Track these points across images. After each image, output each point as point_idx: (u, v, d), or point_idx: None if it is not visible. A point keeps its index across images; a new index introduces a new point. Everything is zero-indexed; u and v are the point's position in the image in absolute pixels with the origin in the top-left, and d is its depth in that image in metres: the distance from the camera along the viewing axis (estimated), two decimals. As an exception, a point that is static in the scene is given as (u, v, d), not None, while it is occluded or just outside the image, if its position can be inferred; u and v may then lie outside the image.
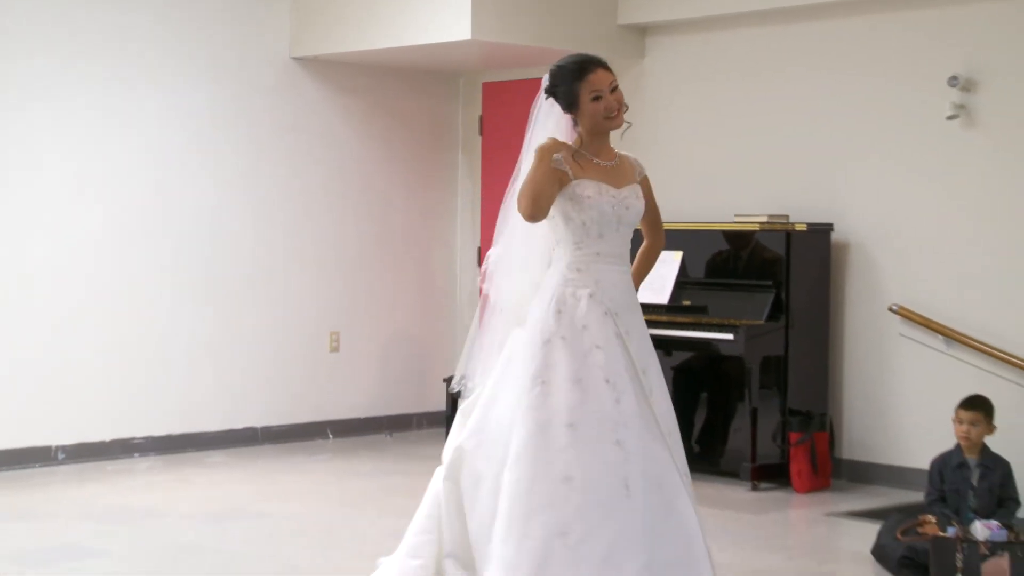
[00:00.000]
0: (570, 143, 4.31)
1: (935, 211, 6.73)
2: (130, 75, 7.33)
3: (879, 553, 5.18)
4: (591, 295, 4.19)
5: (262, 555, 5.24)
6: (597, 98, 4.24)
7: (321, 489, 6.71)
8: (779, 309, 6.76)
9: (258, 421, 7.86)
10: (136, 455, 7.33)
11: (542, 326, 4.17)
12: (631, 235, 4.31)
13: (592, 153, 4.30)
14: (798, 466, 6.61)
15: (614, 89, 4.26)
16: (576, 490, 4.02)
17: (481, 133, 8.64)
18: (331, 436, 8.17)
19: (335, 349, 8.25)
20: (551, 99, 4.46)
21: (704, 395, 7.15)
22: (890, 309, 6.79)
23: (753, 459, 6.70)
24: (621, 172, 4.33)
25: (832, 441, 6.85)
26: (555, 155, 4.24)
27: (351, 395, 8.32)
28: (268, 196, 7.89)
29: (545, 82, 4.48)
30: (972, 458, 5.39)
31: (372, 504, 6.34)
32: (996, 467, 5.40)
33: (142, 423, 7.38)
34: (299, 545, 5.44)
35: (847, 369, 7.04)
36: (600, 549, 3.99)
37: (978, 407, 5.45)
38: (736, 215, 7.11)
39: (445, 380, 7.15)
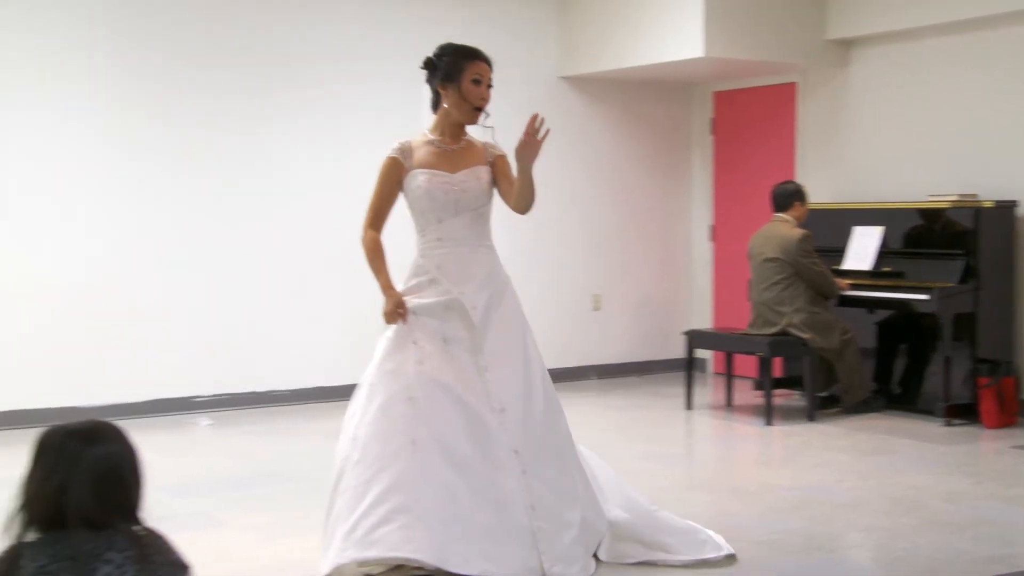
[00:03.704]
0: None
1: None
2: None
3: (1060, 480, 4.86)
4: (431, 279, 3.67)
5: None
6: (477, 82, 3.69)
7: (587, 419, 6.74)
8: (969, 274, 6.38)
9: (536, 365, 7.97)
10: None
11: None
12: (482, 216, 3.72)
13: (440, 135, 3.73)
14: (987, 405, 6.22)
15: (489, 86, 3.72)
16: (358, 445, 3.51)
17: (713, 133, 8.48)
18: (595, 377, 8.22)
19: (597, 308, 8.28)
20: (427, 70, 3.79)
21: (903, 346, 6.82)
22: (1069, 273, 6.33)
23: (946, 399, 6.36)
24: (464, 155, 3.72)
25: (1018, 385, 6.42)
26: (397, 145, 3.73)
27: (610, 345, 8.33)
28: (541, 188, 7.93)
29: (431, 53, 3.82)
30: None
31: (625, 431, 6.34)
32: None
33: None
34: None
35: (1030, 324, 6.60)
36: (368, 497, 3.41)
37: None
38: (930, 195, 6.75)
39: (684, 333, 7.10)
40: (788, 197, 6.69)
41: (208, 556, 3.74)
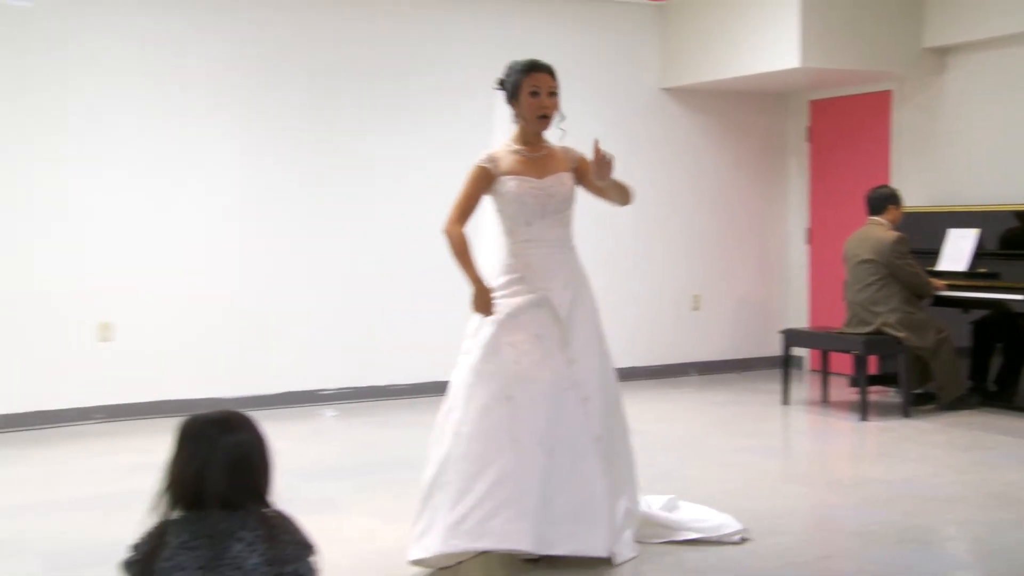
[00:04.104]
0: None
1: None
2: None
3: None
4: (520, 277, 3.68)
5: (641, 462, 5.27)
6: (534, 94, 3.68)
7: (688, 414, 6.68)
8: (1065, 274, 6.13)
9: (639, 362, 7.92)
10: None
11: None
12: (565, 220, 3.73)
13: (522, 144, 3.74)
14: (1083, 404, 5.98)
15: (552, 94, 3.69)
16: (462, 440, 3.55)
17: (809, 140, 8.31)
18: (695, 374, 8.13)
19: (696, 308, 8.19)
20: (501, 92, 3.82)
21: (998, 345, 6.56)
22: None
23: (1043, 397, 6.13)
24: (548, 162, 3.73)
25: (1114, 384, 6.16)
26: (485, 155, 3.72)
27: (709, 342, 8.23)
28: (644, 193, 7.88)
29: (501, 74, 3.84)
30: None
31: (724, 425, 6.26)
32: None
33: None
34: (670, 454, 5.43)
35: None
36: (476, 491, 3.47)
37: None
38: (1026, 197, 6.51)
39: (780, 332, 6.98)
40: (883, 201, 6.53)
41: (331, 537, 3.81)
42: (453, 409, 3.67)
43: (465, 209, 3.76)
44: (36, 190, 6.23)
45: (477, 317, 3.73)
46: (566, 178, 3.76)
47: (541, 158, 3.77)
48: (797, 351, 7.60)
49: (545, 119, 3.73)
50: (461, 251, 3.71)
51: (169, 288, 6.56)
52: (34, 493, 4.81)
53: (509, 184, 3.70)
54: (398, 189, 7.13)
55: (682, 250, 8.14)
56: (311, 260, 6.93)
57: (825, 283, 8.08)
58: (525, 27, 7.44)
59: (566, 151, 3.82)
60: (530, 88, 3.70)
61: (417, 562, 3.62)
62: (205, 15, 6.61)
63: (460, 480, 3.53)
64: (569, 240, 3.80)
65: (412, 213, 7.13)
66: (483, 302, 3.67)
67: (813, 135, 8.28)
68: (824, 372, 6.90)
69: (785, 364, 6.83)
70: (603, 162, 3.65)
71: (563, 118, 3.78)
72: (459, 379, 3.70)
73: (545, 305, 3.68)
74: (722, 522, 3.96)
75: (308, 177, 6.91)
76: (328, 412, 6.71)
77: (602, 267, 7.74)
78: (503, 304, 3.69)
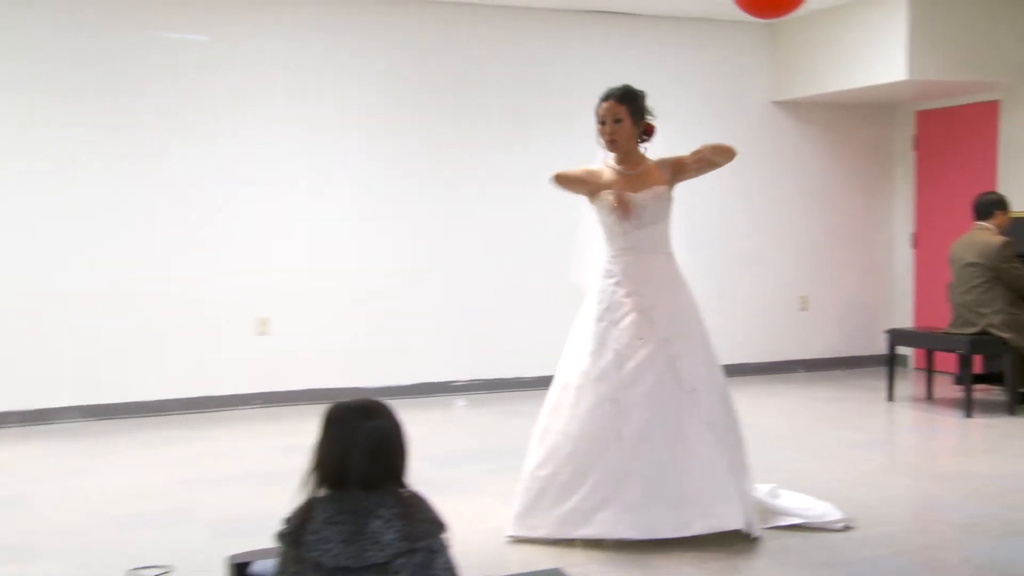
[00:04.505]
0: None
1: None
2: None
3: None
4: (617, 282, 3.70)
5: (754, 453, 5.18)
6: (602, 123, 3.78)
7: (795, 408, 6.52)
8: None
9: (749, 359, 7.76)
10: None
11: (585, 307, 3.74)
12: (661, 229, 3.77)
13: (619, 163, 3.78)
14: None
15: (618, 121, 3.71)
16: (570, 439, 3.60)
17: (915, 149, 8.00)
18: (803, 371, 7.93)
19: (804, 308, 7.99)
20: None
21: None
22: None
23: None
24: (644, 178, 3.75)
25: None
26: (597, 167, 3.81)
27: (816, 341, 8.01)
28: (755, 201, 7.77)
29: None
30: None
31: (830, 419, 6.08)
32: None
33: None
34: (778, 446, 5.31)
35: None
36: (585, 487, 3.54)
37: None
38: None
39: (886, 331, 6.75)
40: (990, 206, 6.24)
41: (461, 516, 3.86)
42: (560, 407, 3.71)
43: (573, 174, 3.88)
44: (207, 202, 6.50)
45: (585, 315, 3.77)
46: (661, 191, 3.78)
47: (638, 175, 3.81)
48: (902, 350, 7.34)
49: (612, 143, 3.79)
50: (568, 175, 3.82)
51: (319, 289, 6.75)
52: (203, 469, 5.02)
53: (608, 198, 3.77)
54: (518, 198, 7.16)
55: (791, 253, 7.96)
56: (444, 263, 7.03)
57: (930, 286, 7.77)
58: (644, 47, 7.38)
59: (661, 164, 3.84)
60: (600, 118, 3.81)
61: (516, 538, 3.69)
62: (349, 41, 6.78)
63: (569, 475, 3.61)
64: (665, 247, 3.82)
65: (532, 220, 7.16)
66: (618, 196, 3.73)
67: (920, 144, 7.98)
68: (928, 370, 6.64)
69: (890, 362, 6.60)
70: (625, 210, 3.73)
71: (644, 139, 3.83)
72: (567, 379, 3.74)
73: (643, 308, 3.70)
74: (825, 510, 3.88)
75: (440, 187, 7.01)
76: (459, 402, 6.79)
77: (716, 270, 7.66)
78: (606, 308, 3.72)
